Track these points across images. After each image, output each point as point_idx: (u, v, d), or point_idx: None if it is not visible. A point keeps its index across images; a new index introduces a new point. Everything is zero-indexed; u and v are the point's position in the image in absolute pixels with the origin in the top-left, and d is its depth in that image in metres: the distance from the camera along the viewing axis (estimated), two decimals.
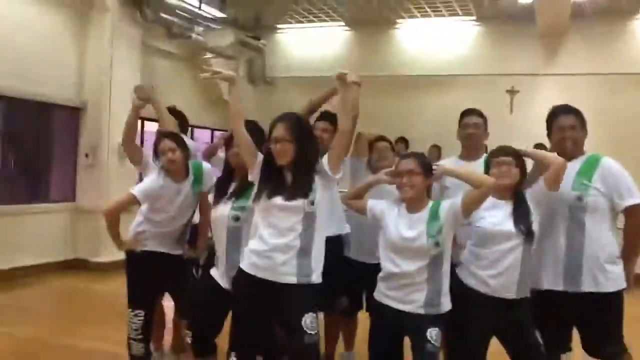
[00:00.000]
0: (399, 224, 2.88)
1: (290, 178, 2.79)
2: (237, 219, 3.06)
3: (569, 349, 3.17)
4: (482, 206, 2.89)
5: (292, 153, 2.76)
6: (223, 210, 3.15)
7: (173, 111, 4.35)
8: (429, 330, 2.77)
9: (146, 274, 3.52)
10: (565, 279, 2.99)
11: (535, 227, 2.89)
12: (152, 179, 3.48)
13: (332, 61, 10.42)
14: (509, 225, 2.88)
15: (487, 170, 3.06)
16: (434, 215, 2.86)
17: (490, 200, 2.93)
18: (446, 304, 2.85)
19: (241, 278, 2.82)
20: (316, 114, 3.84)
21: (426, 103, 9.71)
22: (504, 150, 3.00)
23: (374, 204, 3.05)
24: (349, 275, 3.68)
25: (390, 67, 10.06)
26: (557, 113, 3.16)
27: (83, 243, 7.73)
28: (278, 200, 2.74)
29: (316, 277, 2.76)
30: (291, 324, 2.70)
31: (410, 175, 2.86)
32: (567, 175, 2.97)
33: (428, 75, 9.77)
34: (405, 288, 2.82)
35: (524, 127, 8.73)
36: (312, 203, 2.72)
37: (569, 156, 3.05)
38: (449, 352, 3.13)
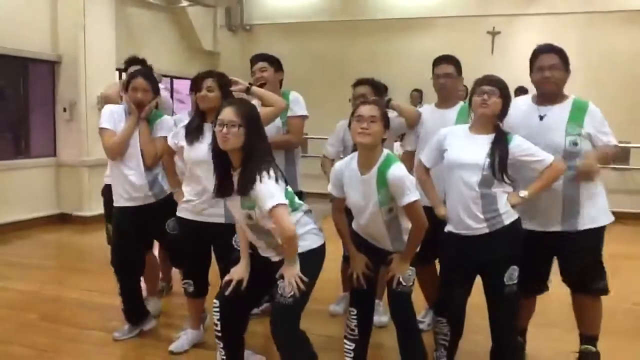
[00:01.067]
0: (356, 191, 2.91)
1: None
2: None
3: (546, 289, 3.29)
4: (458, 141, 2.96)
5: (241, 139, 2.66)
6: (203, 152, 3.13)
7: (135, 60, 4.23)
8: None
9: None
10: (563, 220, 3.06)
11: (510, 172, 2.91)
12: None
13: (311, 7, 10.25)
14: (476, 155, 2.88)
15: (464, 117, 3.08)
16: (382, 181, 2.80)
17: (468, 134, 2.97)
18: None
19: None
20: None
21: (407, 47, 9.61)
22: (488, 79, 2.96)
23: (331, 184, 3.03)
24: None
25: (369, 11, 9.89)
26: (538, 52, 3.12)
27: (66, 198, 7.74)
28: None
29: None
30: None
31: (372, 121, 2.77)
32: (558, 120, 3.03)
33: (408, 19, 9.63)
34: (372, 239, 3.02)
35: (505, 69, 8.65)
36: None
37: (550, 98, 3.08)
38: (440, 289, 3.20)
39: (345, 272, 3.78)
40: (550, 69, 3.05)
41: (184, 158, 3.31)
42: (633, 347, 3.80)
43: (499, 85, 2.92)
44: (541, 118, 3.07)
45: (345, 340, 3.05)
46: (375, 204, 2.84)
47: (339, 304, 4.24)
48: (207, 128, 3.21)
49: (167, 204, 3.57)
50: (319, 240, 2.80)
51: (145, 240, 3.90)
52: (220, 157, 2.73)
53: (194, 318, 3.63)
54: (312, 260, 2.75)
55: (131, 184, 3.56)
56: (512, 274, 2.93)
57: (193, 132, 3.26)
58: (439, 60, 3.62)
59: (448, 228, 3.02)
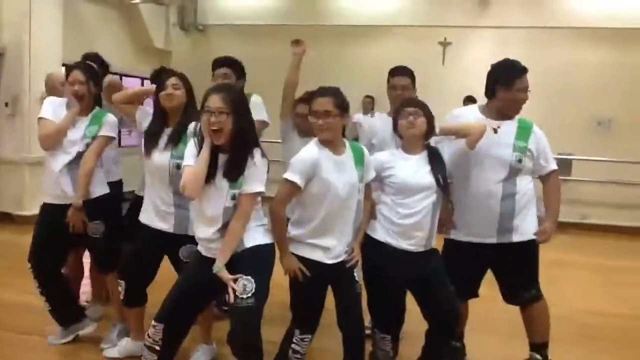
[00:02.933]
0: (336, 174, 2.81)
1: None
2: (179, 167, 2.91)
3: (477, 295, 3.37)
4: (394, 161, 3.00)
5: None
6: (161, 159, 3.07)
7: (90, 56, 4.10)
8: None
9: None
10: (498, 232, 3.15)
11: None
12: None
13: (266, 10, 10.23)
14: (426, 177, 2.97)
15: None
16: (358, 159, 2.88)
17: (402, 155, 3.03)
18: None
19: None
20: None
21: (360, 53, 9.69)
22: (410, 102, 3.06)
23: (297, 173, 2.78)
24: None
25: (324, 16, 9.94)
26: (519, 72, 3.19)
27: (6, 196, 7.45)
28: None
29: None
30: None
31: (327, 116, 2.75)
32: (504, 136, 3.13)
33: (362, 26, 9.72)
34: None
35: (455, 79, 8.92)
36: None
37: (507, 116, 3.20)
38: (369, 303, 3.19)
39: None
40: (526, 91, 3.17)
41: (145, 164, 3.21)
42: (575, 353, 3.92)
43: (421, 106, 3.01)
44: (495, 131, 3.15)
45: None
46: (355, 184, 2.83)
47: None
48: (166, 135, 3.13)
49: (94, 206, 3.42)
50: (271, 239, 2.79)
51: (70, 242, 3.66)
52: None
53: (134, 326, 3.49)
54: (269, 255, 2.74)
55: (57, 183, 3.42)
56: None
57: (151, 140, 3.15)
58: (396, 72, 3.63)
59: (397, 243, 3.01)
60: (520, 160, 3.13)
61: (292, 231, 2.86)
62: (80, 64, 3.60)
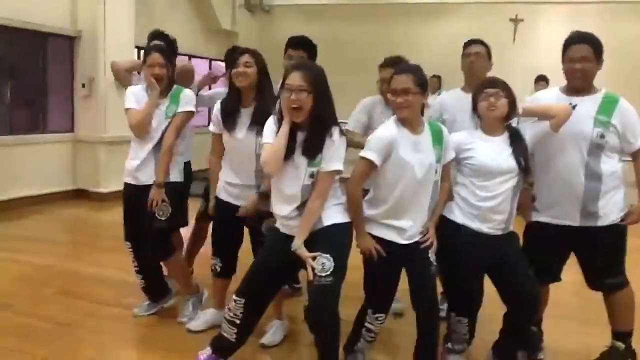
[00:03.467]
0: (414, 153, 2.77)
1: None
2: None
3: (559, 279, 3.26)
4: (473, 143, 2.92)
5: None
6: (248, 138, 3.11)
7: (158, 34, 4.11)
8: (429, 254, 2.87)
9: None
10: (582, 215, 3.00)
11: (530, 163, 2.94)
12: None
13: None
14: (507, 160, 2.88)
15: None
16: (437, 139, 2.82)
17: (481, 136, 2.94)
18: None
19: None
20: None
21: (428, 32, 9.52)
22: (491, 81, 2.94)
23: (374, 151, 2.75)
24: None
25: None
26: (570, 42, 3.04)
27: (83, 174, 7.80)
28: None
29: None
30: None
31: (407, 94, 2.71)
32: (586, 112, 2.96)
33: (430, 3, 9.54)
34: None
35: (526, 58, 8.63)
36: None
37: (579, 90, 3.02)
38: (445, 285, 3.18)
39: None
40: (580, 61, 2.97)
41: (224, 141, 3.29)
42: None
43: (502, 86, 2.89)
44: (573, 107, 3.00)
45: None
46: (432, 164, 2.78)
47: None
48: (245, 114, 3.19)
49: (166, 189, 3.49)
50: (349, 217, 2.80)
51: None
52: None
53: (218, 298, 3.60)
54: (347, 234, 2.77)
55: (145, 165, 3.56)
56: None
57: (229, 118, 3.21)
58: (471, 42, 3.59)
59: (476, 226, 2.95)
60: (602, 136, 2.95)
61: (367, 211, 2.84)
62: (156, 46, 3.68)
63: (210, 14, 10.32)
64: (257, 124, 3.06)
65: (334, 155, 2.65)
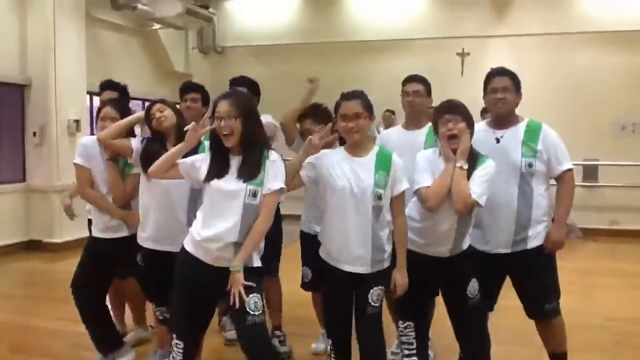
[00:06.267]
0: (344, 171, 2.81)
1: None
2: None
3: (492, 309, 3.30)
4: (432, 168, 2.93)
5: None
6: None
7: (110, 84, 4.15)
8: (371, 291, 2.83)
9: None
10: (514, 242, 3.08)
11: None
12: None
13: (283, 29, 10.33)
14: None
15: (431, 138, 3.11)
16: (382, 165, 2.83)
17: (439, 162, 2.93)
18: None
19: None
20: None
21: (379, 68, 9.71)
22: (449, 107, 2.94)
23: (306, 170, 2.90)
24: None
25: (341, 33, 10.00)
26: (491, 75, 3.20)
27: (36, 224, 7.59)
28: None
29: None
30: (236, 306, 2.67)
31: (357, 118, 2.79)
32: (513, 142, 3.08)
33: (379, 40, 9.76)
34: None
35: (474, 90, 8.80)
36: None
37: (503, 119, 3.14)
38: (395, 307, 3.18)
39: (318, 304, 3.70)
40: (502, 91, 3.11)
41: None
42: None
43: (460, 111, 2.92)
44: (498, 140, 3.12)
45: None
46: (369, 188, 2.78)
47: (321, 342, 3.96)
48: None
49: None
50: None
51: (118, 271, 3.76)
52: (218, 144, 2.72)
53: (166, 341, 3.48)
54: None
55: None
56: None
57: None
58: (408, 79, 3.61)
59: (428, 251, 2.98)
60: (530, 165, 3.05)
61: None
62: (112, 100, 3.70)
63: (164, 57, 10.34)
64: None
65: (277, 176, 2.71)
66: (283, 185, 2.73)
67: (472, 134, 2.94)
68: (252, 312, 2.62)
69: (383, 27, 9.84)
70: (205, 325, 2.94)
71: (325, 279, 2.97)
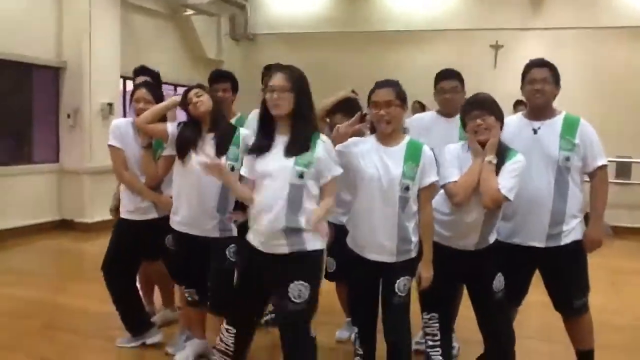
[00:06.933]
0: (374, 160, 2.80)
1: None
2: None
3: (520, 304, 3.27)
4: (460, 162, 2.90)
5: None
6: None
7: (144, 70, 4.21)
8: (397, 281, 2.80)
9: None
10: (549, 236, 3.05)
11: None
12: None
13: (315, 17, 10.30)
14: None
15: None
16: (412, 156, 2.80)
17: (467, 157, 2.91)
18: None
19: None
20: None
21: (410, 59, 9.63)
22: (477, 102, 2.91)
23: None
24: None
25: (373, 22, 9.93)
26: (531, 66, 3.16)
27: (68, 204, 7.75)
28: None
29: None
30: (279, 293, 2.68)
31: (389, 106, 2.78)
32: (551, 134, 3.04)
33: (412, 31, 9.66)
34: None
35: (507, 83, 8.68)
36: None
37: (540, 111, 3.10)
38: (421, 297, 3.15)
39: (342, 294, 3.76)
40: (541, 82, 3.07)
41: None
42: None
43: (488, 105, 2.88)
44: (535, 131, 3.09)
45: None
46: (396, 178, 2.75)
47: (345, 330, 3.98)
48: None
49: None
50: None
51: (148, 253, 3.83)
52: (265, 119, 2.73)
53: (199, 328, 3.55)
54: (323, 261, 2.78)
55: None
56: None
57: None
58: (444, 76, 3.58)
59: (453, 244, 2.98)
60: (567, 159, 3.02)
61: None
62: (146, 83, 3.77)
63: (196, 43, 10.41)
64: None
65: (331, 162, 2.70)
66: (341, 171, 2.71)
67: (501, 127, 2.90)
68: (294, 301, 2.61)
69: (415, 18, 9.74)
70: (259, 315, 2.99)
71: (350, 268, 2.98)
